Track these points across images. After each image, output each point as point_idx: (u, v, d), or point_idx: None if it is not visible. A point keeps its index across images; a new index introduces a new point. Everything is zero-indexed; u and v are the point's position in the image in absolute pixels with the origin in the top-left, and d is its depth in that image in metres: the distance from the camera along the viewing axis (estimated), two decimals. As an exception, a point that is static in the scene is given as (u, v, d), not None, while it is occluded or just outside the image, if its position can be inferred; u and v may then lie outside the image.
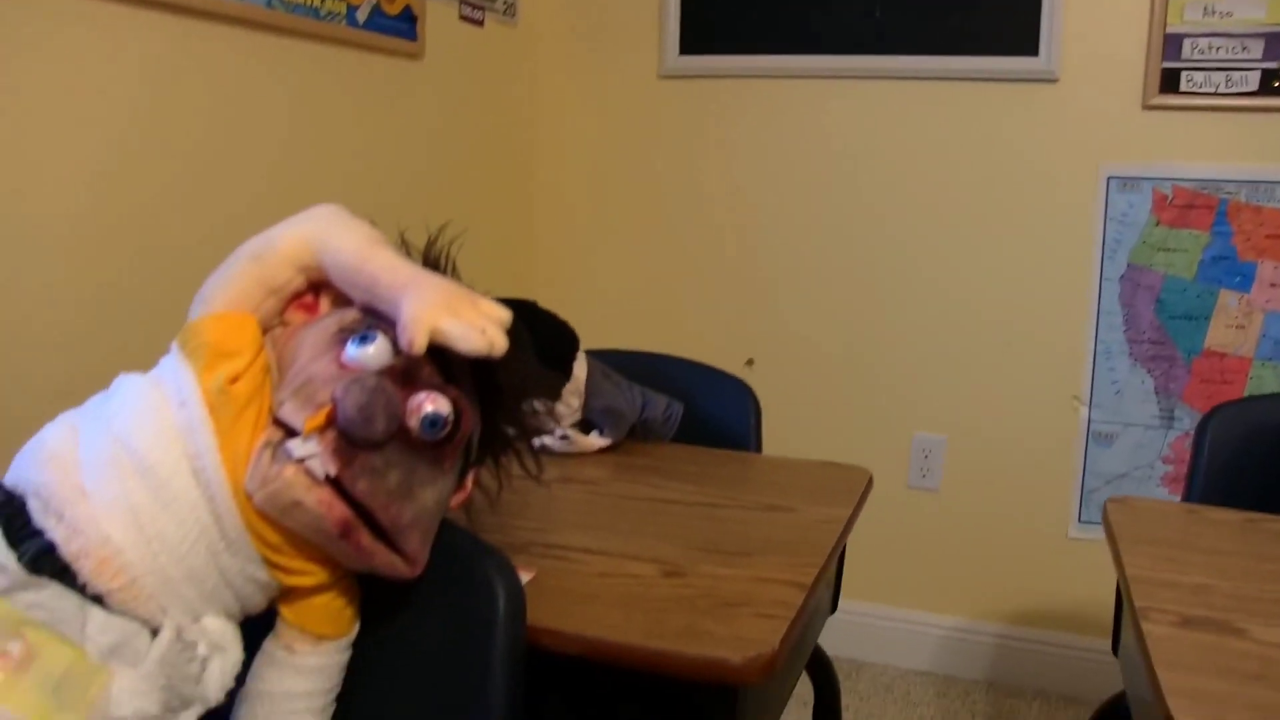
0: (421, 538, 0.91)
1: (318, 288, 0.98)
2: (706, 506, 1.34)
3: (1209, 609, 1.08)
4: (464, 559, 0.96)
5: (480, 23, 2.50)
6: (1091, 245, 2.47)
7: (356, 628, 0.96)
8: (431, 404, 0.86)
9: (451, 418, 0.87)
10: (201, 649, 0.84)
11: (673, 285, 2.78)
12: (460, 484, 0.99)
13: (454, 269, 1.04)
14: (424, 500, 0.89)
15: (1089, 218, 2.46)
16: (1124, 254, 2.45)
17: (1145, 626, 1.05)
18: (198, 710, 0.84)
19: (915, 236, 2.58)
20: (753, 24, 2.62)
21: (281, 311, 0.97)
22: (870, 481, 1.46)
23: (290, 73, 1.90)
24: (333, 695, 0.95)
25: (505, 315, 0.93)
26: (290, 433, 0.84)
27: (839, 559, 1.52)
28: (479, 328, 0.89)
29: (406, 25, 2.23)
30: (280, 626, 0.92)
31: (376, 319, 0.93)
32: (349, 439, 0.83)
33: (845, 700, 2.49)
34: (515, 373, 1.00)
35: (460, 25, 2.43)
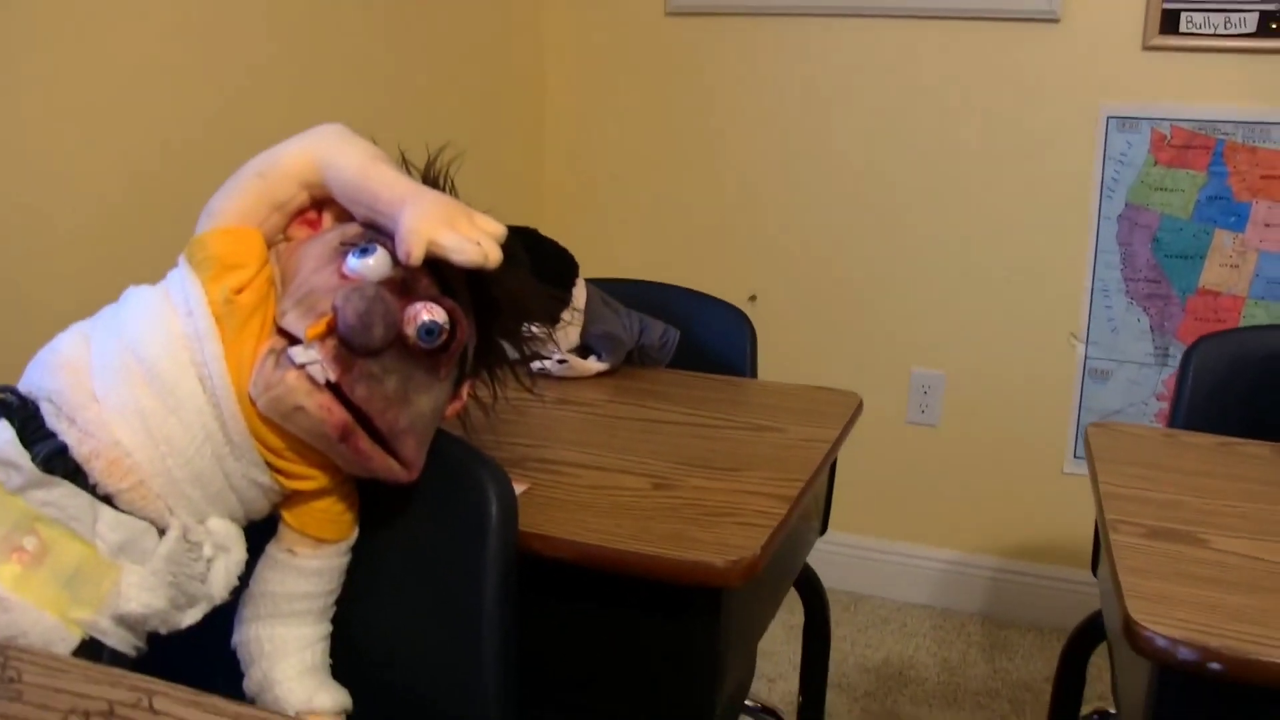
0: (417, 443, 0.94)
1: (321, 204, 1.01)
2: (698, 426, 1.37)
3: (1176, 522, 1.11)
4: (459, 466, 0.99)
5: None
6: (1090, 184, 2.48)
7: (355, 533, 0.99)
8: (428, 313, 0.89)
9: (447, 327, 0.90)
10: (207, 549, 0.88)
11: (678, 220, 2.80)
12: (456, 394, 1.02)
13: (452, 188, 1.06)
14: (420, 406, 0.92)
15: (1088, 157, 2.47)
16: (1122, 193, 2.46)
17: (1113, 537, 1.09)
18: (204, 607, 0.88)
19: (917, 173, 2.59)
20: (758, -37, 2.62)
21: (286, 226, 1.00)
22: (860, 406, 1.50)
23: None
24: (333, 597, 0.98)
25: (500, 230, 0.96)
26: (293, 341, 0.87)
27: (829, 481, 1.56)
28: (474, 240, 0.92)
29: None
30: (282, 530, 0.96)
31: (377, 233, 0.95)
32: (348, 346, 0.85)
33: (844, 631, 2.55)
34: (511, 287, 1.02)
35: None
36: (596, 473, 1.20)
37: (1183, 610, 0.93)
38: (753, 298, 2.73)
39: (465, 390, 1.04)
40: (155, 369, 0.85)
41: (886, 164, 2.61)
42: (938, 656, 2.50)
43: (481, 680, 0.95)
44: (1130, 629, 0.92)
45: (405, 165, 1.04)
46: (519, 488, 1.12)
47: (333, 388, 0.85)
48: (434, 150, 1.07)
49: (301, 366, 0.85)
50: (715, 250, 2.77)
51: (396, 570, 1.01)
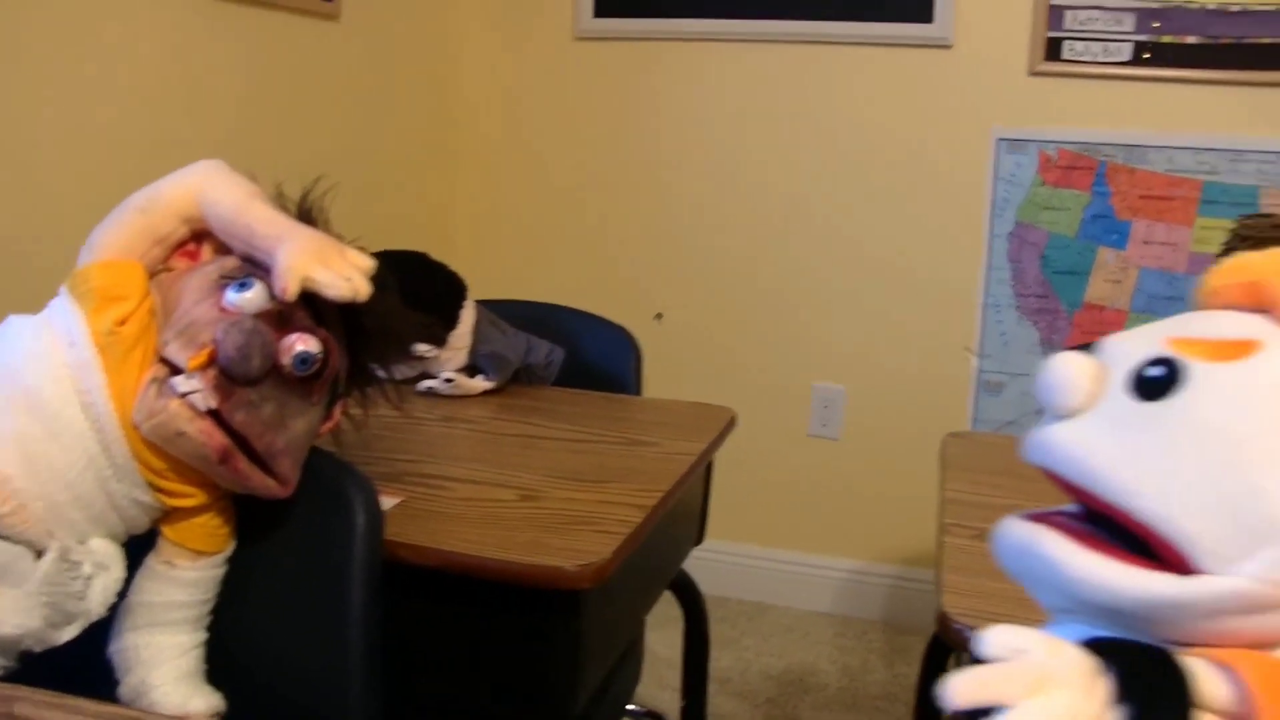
0: (293, 462, 1.03)
1: (200, 236, 1.09)
2: (574, 441, 1.47)
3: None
4: (329, 480, 1.08)
5: (396, -15, 2.60)
6: (982, 203, 2.61)
7: (232, 545, 1.07)
8: (302, 344, 0.98)
9: (321, 356, 0.99)
10: (86, 568, 0.95)
11: (587, 240, 2.90)
12: (329, 414, 1.10)
13: (325, 220, 1.14)
14: (295, 429, 1.01)
15: (981, 177, 2.61)
16: (1012, 212, 2.60)
17: (945, 540, 1.20)
18: (81, 624, 0.95)
19: (817, 195, 2.71)
20: (664, -12, 2.74)
21: (166, 259, 1.08)
22: (733, 420, 1.60)
23: (204, 33, 1.99)
24: (209, 606, 1.06)
25: (369, 264, 1.05)
26: (175, 370, 0.96)
27: (705, 492, 1.66)
28: (345, 276, 1.01)
29: (323, -13, 2.33)
30: (161, 544, 1.04)
31: (254, 267, 1.04)
32: (228, 376, 0.94)
33: (749, 640, 2.65)
34: (380, 315, 1.11)
35: (377, -13, 2.53)
36: (470, 486, 1.29)
37: (997, 604, 1.04)
38: (659, 316, 2.84)
39: (338, 411, 1.13)
40: (38, 397, 0.92)
41: (788, 185, 2.73)
42: (839, 663, 2.61)
43: (348, 681, 1.04)
44: (943, 622, 1.03)
45: (282, 198, 1.12)
46: (393, 501, 1.22)
47: (213, 414, 0.94)
48: (309, 183, 1.15)
49: (184, 395, 0.93)
50: (623, 269, 2.88)
51: (270, 578, 1.09)
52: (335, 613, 1.04)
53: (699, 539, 1.68)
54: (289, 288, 0.97)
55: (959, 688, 0.52)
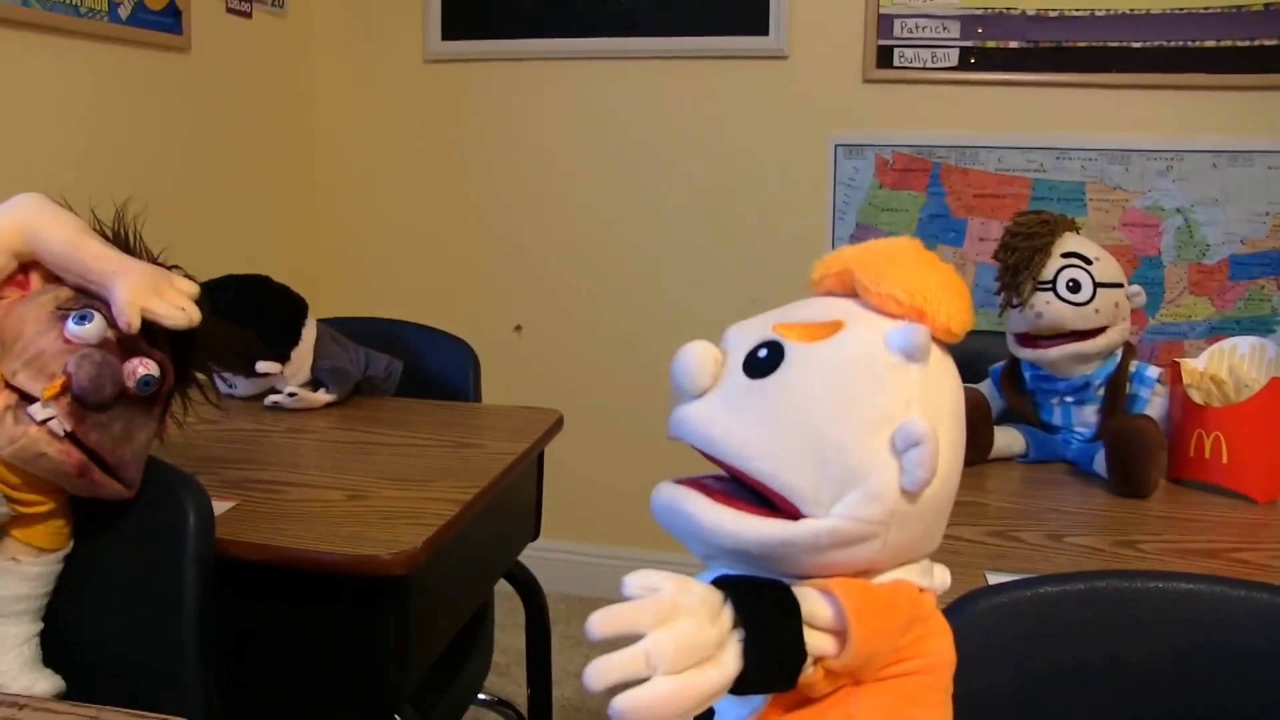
0: (137, 468, 1.19)
1: (27, 267, 1.23)
2: (406, 446, 1.65)
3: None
4: (165, 486, 1.24)
5: (248, 14, 2.75)
6: (824, 208, 2.84)
7: (72, 544, 1.23)
8: (144, 368, 1.14)
9: (159, 376, 1.16)
10: None
11: (446, 258, 3.08)
12: (160, 422, 1.27)
13: (140, 240, 1.28)
14: (140, 440, 1.17)
15: (821, 182, 2.83)
16: (853, 215, 2.83)
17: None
18: None
19: (664, 205, 2.92)
20: (511, 9, 2.93)
21: (-3, 289, 1.23)
22: (560, 421, 1.79)
23: (50, 70, 2.13)
24: (47, 599, 1.21)
25: (196, 289, 1.21)
26: (25, 396, 1.11)
27: (538, 489, 1.85)
28: (179, 305, 1.18)
29: (171, 20, 2.48)
30: (6, 542, 1.17)
31: (89, 297, 1.19)
32: (82, 404, 1.10)
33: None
34: (203, 330, 1.27)
35: (228, 17, 2.68)
36: (302, 489, 1.47)
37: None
38: (518, 328, 3.03)
39: (167, 415, 1.29)
40: None
41: (636, 197, 2.94)
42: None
43: (184, 667, 1.19)
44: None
45: (97, 222, 1.25)
46: (227, 504, 1.38)
47: (69, 436, 1.10)
48: (119, 208, 1.29)
49: (43, 422, 1.09)
50: (483, 286, 3.07)
51: (112, 574, 1.25)
52: (171, 606, 1.20)
53: (535, 534, 1.86)
54: (133, 322, 1.13)
55: (598, 621, 0.63)
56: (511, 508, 1.75)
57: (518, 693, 2.21)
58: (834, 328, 0.77)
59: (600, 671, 0.61)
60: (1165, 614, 0.99)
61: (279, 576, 1.33)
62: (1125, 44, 2.63)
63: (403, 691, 1.39)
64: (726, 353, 0.79)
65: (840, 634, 0.69)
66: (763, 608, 0.68)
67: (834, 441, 0.72)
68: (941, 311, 0.76)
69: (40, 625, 1.21)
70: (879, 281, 0.77)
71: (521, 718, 2.06)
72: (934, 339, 0.76)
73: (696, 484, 0.77)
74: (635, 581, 0.66)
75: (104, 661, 1.23)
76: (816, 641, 0.69)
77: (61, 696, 1.18)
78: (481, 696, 2.05)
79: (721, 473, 0.79)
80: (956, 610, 0.98)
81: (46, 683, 1.17)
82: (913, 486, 0.72)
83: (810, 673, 0.69)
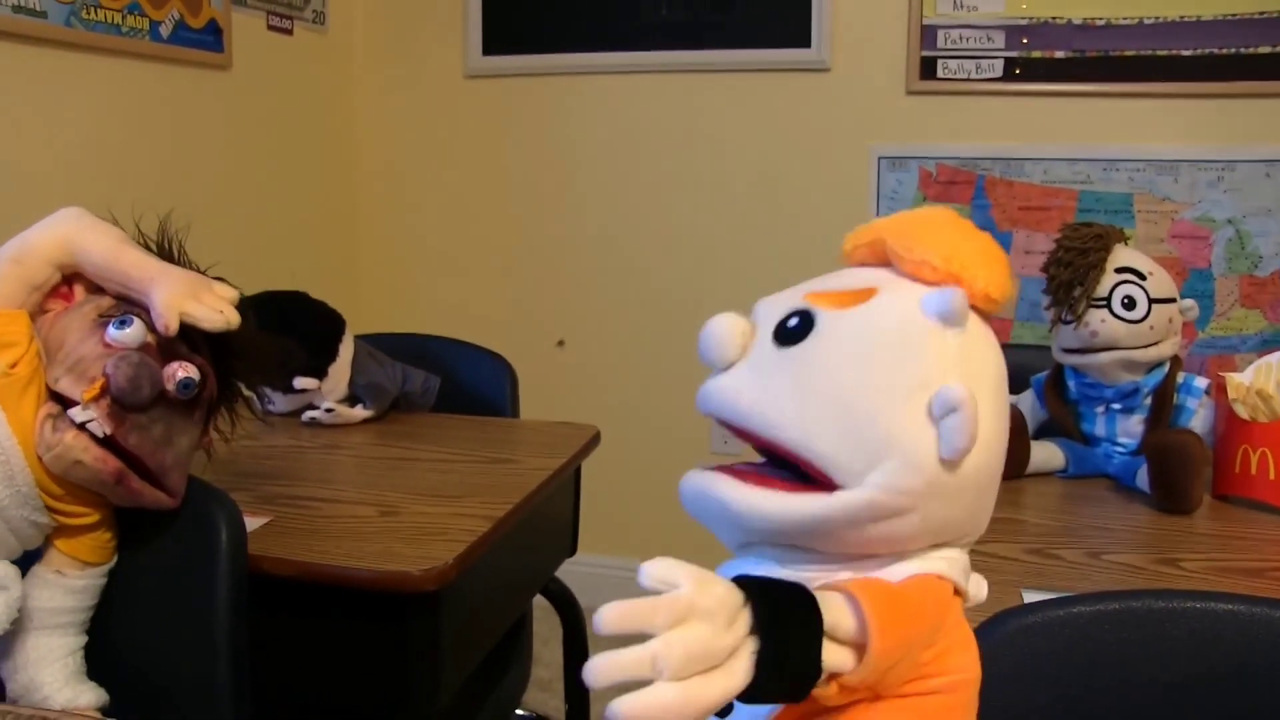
0: (180, 475, 1.20)
1: (71, 279, 1.25)
2: (440, 461, 1.66)
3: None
4: (198, 502, 1.25)
5: (289, 31, 2.78)
6: (867, 221, 2.81)
7: (115, 558, 1.25)
8: (184, 371, 1.15)
9: (199, 380, 1.18)
10: None
11: (488, 273, 3.10)
12: (204, 431, 1.28)
13: (183, 252, 1.30)
14: (181, 445, 1.19)
15: (863, 196, 2.82)
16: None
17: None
18: None
19: (708, 219, 2.92)
20: (551, 24, 2.95)
21: (43, 303, 1.25)
22: (597, 436, 1.79)
23: (94, 90, 2.17)
24: (91, 612, 1.23)
25: (235, 295, 1.23)
26: (67, 404, 1.13)
27: (575, 505, 1.85)
28: (217, 309, 1.19)
29: (212, 38, 2.51)
30: (51, 554, 1.19)
31: (130, 304, 1.21)
32: (121, 404, 1.11)
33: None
34: (243, 340, 1.28)
35: (269, 35, 2.71)
36: (335, 505, 1.48)
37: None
38: (560, 342, 3.03)
39: (210, 427, 1.30)
40: None
41: (678, 211, 2.94)
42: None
43: (217, 680, 1.21)
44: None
45: (141, 235, 1.27)
46: (260, 520, 1.40)
47: (108, 440, 1.11)
48: (163, 220, 1.31)
49: (81, 425, 1.10)
50: (525, 300, 3.08)
51: (146, 588, 1.26)
52: (204, 620, 1.21)
53: (572, 550, 1.86)
54: (171, 325, 1.14)
55: (609, 615, 0.59)
56: (548, 523, 1.75)
57: (557, 708, 2.21)
58: (867, 294, 0.75)
59: (602, 669, 0.58)
60: (1202, 635, 0.97)
61: (311, 592, 1.34)
62: (1174, 52, 2.60)
63: (435, 707, 1.39)
64: (756, 325, 0.77)
65: (860, 646, 0.67)
66: (782, 620, 0.64)
67: (867, 409, 0.70)
68: (979, 277, 0.74)
69: (84, 638, 1.22)
70: (912, 248, 0.76)
71: (559, 734, 2.06)
72: (973, 307, 0.74)
73: (726, 470, 0.75)
74: (653, 574, 0.61)
75: (138, 675, 1.24)
76: (834, 657, 0.66)
77: (104, 709, 1.19)
78: (520, 712, 2.05)
79: (755, 460, 0.77)
80: (990, 628, 0.97)
81: (90, 695, 1.19)
82: (951, 455, 0.70)
83: (824, 687, 0.67)
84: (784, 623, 0.64)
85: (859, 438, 0.69)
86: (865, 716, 0.71)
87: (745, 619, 0.62)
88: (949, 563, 0.75)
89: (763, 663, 0.62)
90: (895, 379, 0.70)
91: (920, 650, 0.71)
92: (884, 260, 0.79)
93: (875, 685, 0.69)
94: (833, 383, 0.71)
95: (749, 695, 0.63)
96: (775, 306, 0.78)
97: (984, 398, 0.72)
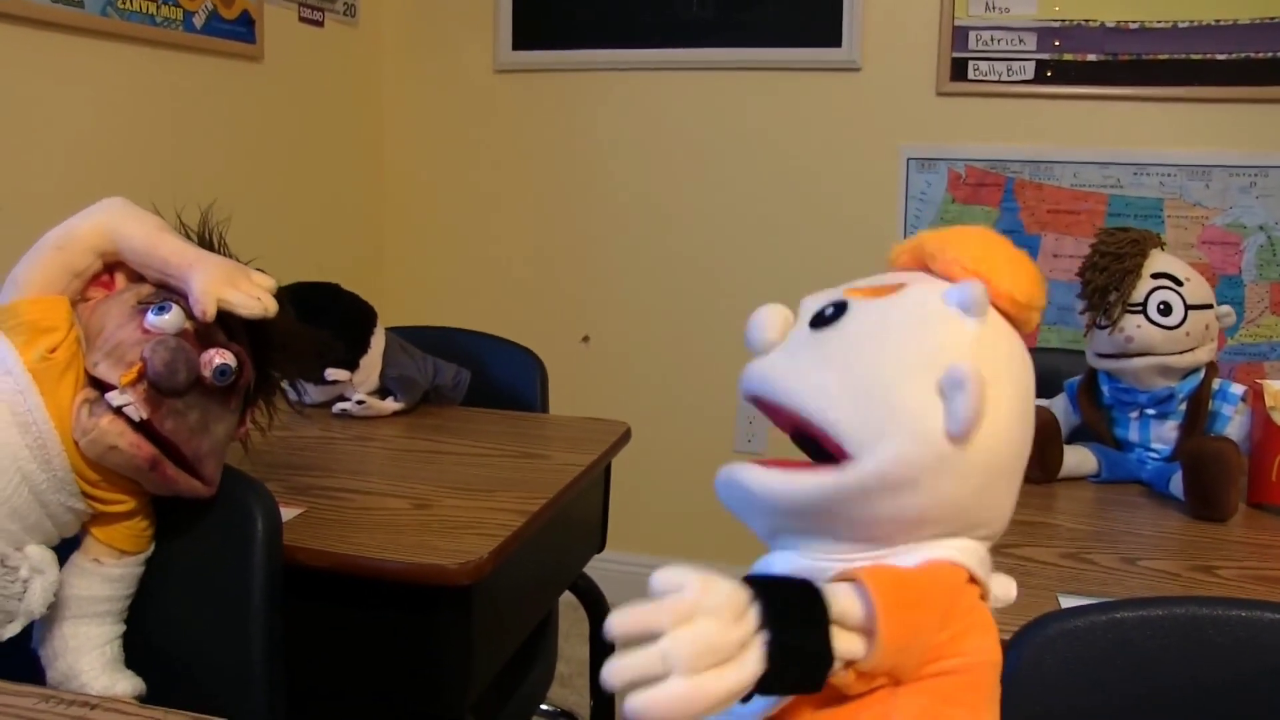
0: (216, 464, 1.21)
1: (112, 267, 1.26)
2: (471, 455, 1.66)
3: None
4: (234, 492, 1.25)
5: (320, 23, 2.79)
6: (895, 222, 2.82)
7: (153, 547, 1.25)
8: (220, 358, 1.15)
9: (236, 368, 1.18)
10: (24, 572, 1.12)
11: (514, 268, 3.10)
12: (240, 420, 1.29)
13: (223, 243, 1.31)
14: (217, 433, 1.19)
15: (892, 196, 2.82)
16: (924, 229, 2.80)
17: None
18: (23, 621, 1.12)
19: (734, 218, 2.92)
20: (581, 20, 2.95)
21: (84, 290, 1.25)
22: (628, 433, 1.79)
23: (128, 78, 2.18)
24: (129, 601, 1.23)
25: (273, 283, 1.23)
26: (104, 389, 1.13)
27: (604, 501, 1.85)
28: (255, 296, 1.20)
29: (244, 29, 2.52)
30: (89, 543, 1.20)
31: (169, 292, 1.22)
32: (157, 389, 1.11)
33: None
34: (281, 330, 1.29)
35: (300, 27, 2.72)
36: (368, 497, 1.48)
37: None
38: (585, 339, 3.04)
39: (248, 418, 1.31)
40: None
41: (706, 209, 2.94)
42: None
43: (251, 669, 1.21)
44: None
45: (183, 226, 1.29)
46: (295, 511, 1.40)
47: (144, 425, 1.11)
48: (205, 209, 1.31)
49: (118, 409, 1.10)
50: (551, 296, 3.08)
51: (181, 578, 1.27)
52: (239, 610, 1.22)
53: (601, 546, 1.86)
54: (208, 310, 1.15)
55: (617, 621, 0.62)
56: (577, 519, 1.75)
57: (580, 704, 2.22)
58: (897, 288, 0.79)
59: (616, 671, 0.61)
60: (1247, 643, 0.97)
61: (345, 584, 1.34)
62: (1209, 56, 2.59)
63: (466, 701, 1.39)
64: (799, 316, 0.82)
65: (871, 633, 0.69)
66: (789, 609, 0.67)
67: (881, 380, 0.74)
68: (1005, 279, 0.78)
69: (122, 627, 1.23)
70: (945, 249, 0.80)
71: (584, 730, 2.07)
72: (1000, 309, 0.78)
73: (755, 461, 0.78)
74: (661, 579, 0.64)
75: (174, 663, 1.25)
76: (845, 644, 0.68)
77: (140, 698, 1.20)
78: (544, 707, 2.06)
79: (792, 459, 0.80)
80: (1031, 632, 0.97)
81: (126, 684, 1.19)
82: (955, 429, 0.72)
83: (841, 674, 0.69)
84: (790, 612, 0.67)
85: (874, 409, 0.73)
86: (887, 700, 0.72)
87: (753, 614, 0.65)
88: (961, 551, 0.77)
89: (773, 654, 0.64)
90: (910, 355, 0.74)
91: (933, 633, 0.73)
92: (922, 265, 0.83)
93: (892, 670, 0.71)
94: (853, 357, 0.75)
95: (764, 686, 0.65)
96: (817, 300, 0.82)
97: (1000, 388, 0.75)
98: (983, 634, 0.76)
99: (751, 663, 0.63)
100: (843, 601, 0.69)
